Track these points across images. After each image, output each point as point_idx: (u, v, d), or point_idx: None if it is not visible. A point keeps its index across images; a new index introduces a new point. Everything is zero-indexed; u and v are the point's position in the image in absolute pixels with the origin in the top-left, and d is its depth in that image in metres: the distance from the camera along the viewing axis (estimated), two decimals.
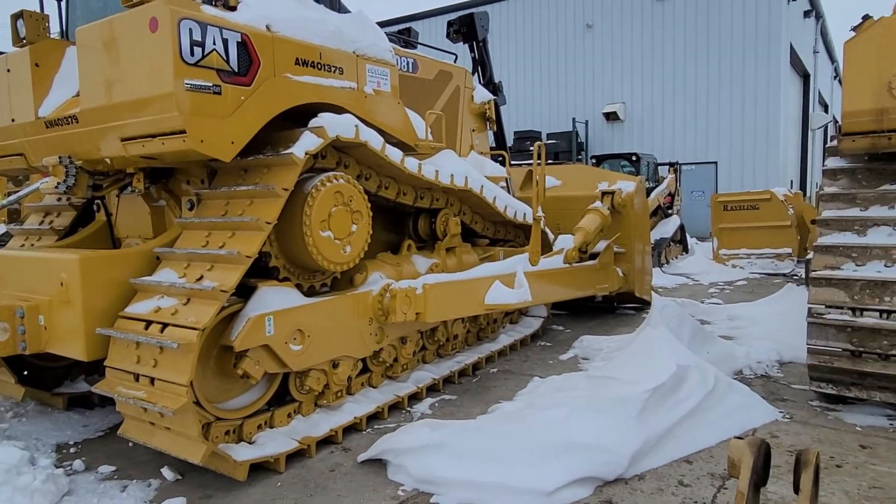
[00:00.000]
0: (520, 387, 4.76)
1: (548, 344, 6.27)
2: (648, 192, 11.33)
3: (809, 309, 4.03)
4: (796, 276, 10.49)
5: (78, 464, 3.57)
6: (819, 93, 26.17)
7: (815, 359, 4.02)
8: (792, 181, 21.59)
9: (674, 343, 4.45)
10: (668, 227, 12.02)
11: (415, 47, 6.56)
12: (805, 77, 24.12)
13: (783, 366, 5.18)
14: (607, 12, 20.90)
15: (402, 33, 6.83)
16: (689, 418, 3.74)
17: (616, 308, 7.87)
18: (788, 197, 11.38)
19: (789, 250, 10.99)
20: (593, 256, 6.61)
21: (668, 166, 14.13)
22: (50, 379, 4.62)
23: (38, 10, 4.38)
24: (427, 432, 3.38)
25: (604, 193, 6.92)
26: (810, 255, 4.37)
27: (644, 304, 7.76)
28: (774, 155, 18.80)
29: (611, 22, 20.84)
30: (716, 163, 19.61)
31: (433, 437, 3.34)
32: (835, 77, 31.48)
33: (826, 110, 29.38)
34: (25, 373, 4.43)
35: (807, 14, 22.49)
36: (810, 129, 24.05)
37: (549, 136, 20.47)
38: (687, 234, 13.43)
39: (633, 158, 13.29)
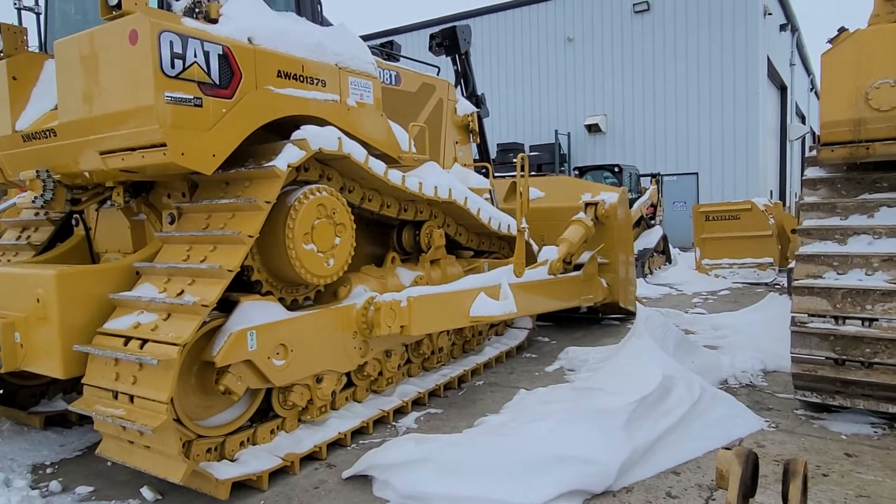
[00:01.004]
0: (506, 399, 4.73)
1: (533, 356, 6.26)
2: (631, 203, 11.42)
3: (792, 318, 4.07)
4: (778, 285, 10.62)
5: (55, 485, 3.46)
6: (796, 104, 26.71)
7: (798, 367, 4.05)
8: (772, 191, 21.95)
9: (659, 353, 4.46)
10: (651, 238, 12.12)
11: (397, 60, 6.57)
12: (782, 89, 24.63)
13: (767, 375, 5.22)
14: (588, 26, 21.21)
15: (385, 46, 6.85)
16: (676, 429, 3.73)
17: (601, 319, 7.89)
18: (769, 207, 11.55)
19: (771, 259, 11.13)
20: (577, 267, 6.63)
21: (650, 177, 14.27)
22: (26, 398, 4.51)
23: (15, 24, 4.32)
24: (413, 447, 3.34)
25: (587, 204, 6.96)
26: (792, 265, 4.42)
27: (629, 315, 7.78)
28: (754, 165, 19.12)
29: (591, 35, 21.14)
30: (696, 173, 19.88)
31: (419, 451, 3.29)
32: (811, 89, 32.18)
33: (803, 121, 29.98)
34: (1, 392, 4.32)
35: (783, 27, 23.02)
36: (788, 139, 24.52)
37: (532, 147, 20.62)
38: (670, 245, 13.55)
39: (616, 170, 13.40)
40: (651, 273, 11.75)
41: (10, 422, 4.42)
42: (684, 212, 19.59)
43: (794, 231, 5.30)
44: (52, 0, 4.58)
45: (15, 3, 4.71)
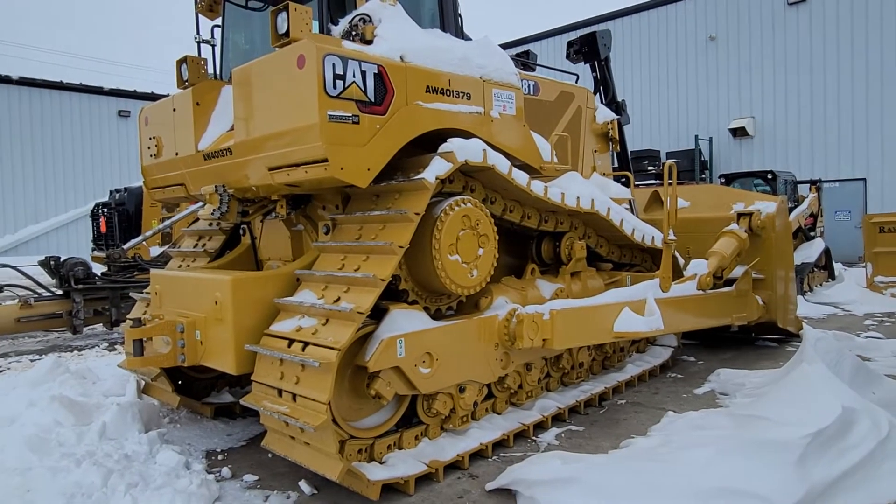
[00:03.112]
0: (652, 421, 4.47)
1: (679, 376, 5.86)
2: (788, 212, 10.38)
3: None
4: None
5: (226, 471, 3.81)
6: None
7: None
8: None
9: (835, 382, 3.96)
10: (810, 251, 10.91)
11: (533, 70, 6.54)
12: None
13: None
14: (733, 22, 19.74)
15: (521, 56, 6.83)
16: (860, 469, 3.28)
17: (754, 339, 7.23)
18: None
19: None
20: (729, 283, 6.12)
21: (808, 184, 12.88)
22: (199, 389, 5.01)
23: (196, 55, 4.87)
24: (559, 465, 3.24)
25: (740, 215, 6.43)
26: None
27: (787, 336, 7.07)
28: None
29: (737, 32, 19.65)
30: (864, 179, 17.66)
31: (566, 470, 3.19)
32: None
33: None
34: (179, 382, 4.84)
35: None
36: None
37: (669, 154, 19.57)
38: (833, 259, 12.12)
39: (769, 176, 12.22)
40: (811, 290, 10.57)
41: (186, 410, 4.94)
42: (848, 222, 17.53)
43: None
44: (227, 33, 5.10)
45: (195, 38, 5.31)
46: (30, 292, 8.34)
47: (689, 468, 3.14)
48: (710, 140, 20.07)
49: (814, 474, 3.15)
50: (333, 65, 3.35)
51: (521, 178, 4.27)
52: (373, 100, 3.56)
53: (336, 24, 3.95)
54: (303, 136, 3.40)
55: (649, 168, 17.13)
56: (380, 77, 3.61)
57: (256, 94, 3.72)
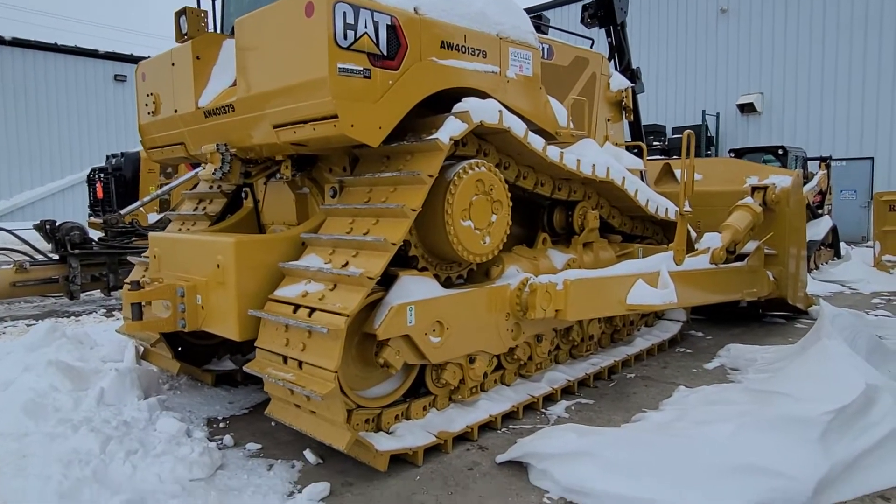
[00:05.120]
0: (663, 395, 4.38)
1: (688, 350, 5.77)
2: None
3: None
4: None
5: (228, 439, 3.70)
6: None
7: None
8: None
9: (855, 358, 3.86)
10: (818, 229, 10.76)
11: (546, 33, 6.28)
12: None
13: None
14: None
15: (534, 19, 6.57)
16: (883, 446, 3.19)
17: (762, 316, 7.13)
18: None
19: None
20: (741, 258, 5.99)
21: (818, 161, 12.68)
22: (200, 356, 4.89)
23: (195, 7, 4.61)
24: (574, 438, 3.14)
25: (754, 189, 6.27)
26: None
27: (796, 313, 6.98)
28: None
29: (749, 5, 19.20)
30: (872, 158, 17.46)
31: (581, 444, 3.08)
32: None
33: None
34: (179, 349, 4.71)
35: None
36: None
37: (675, 129, 19.28)
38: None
39: (780, 152, 12.00)
40: (817, 268, 10.45)
41: (187, 377, 4.82)
42: (853, 201, 17.42)
43: None
44: None
45: None
46: (25, 257, 8.18)
47: (710, 444, 3.04)
48: (717, 116, 19.78)
49: (836, 451, 3.06)
50: (344, 13, 3.14)
51: (536, 142, 4.09)
52: (385, 53, 3.35)
53: None
54: (311, 91, 3.20)
55: (654, 143, 16.88)
56: (393, 29, 3.39)
57: (260, 46, 3.50)
